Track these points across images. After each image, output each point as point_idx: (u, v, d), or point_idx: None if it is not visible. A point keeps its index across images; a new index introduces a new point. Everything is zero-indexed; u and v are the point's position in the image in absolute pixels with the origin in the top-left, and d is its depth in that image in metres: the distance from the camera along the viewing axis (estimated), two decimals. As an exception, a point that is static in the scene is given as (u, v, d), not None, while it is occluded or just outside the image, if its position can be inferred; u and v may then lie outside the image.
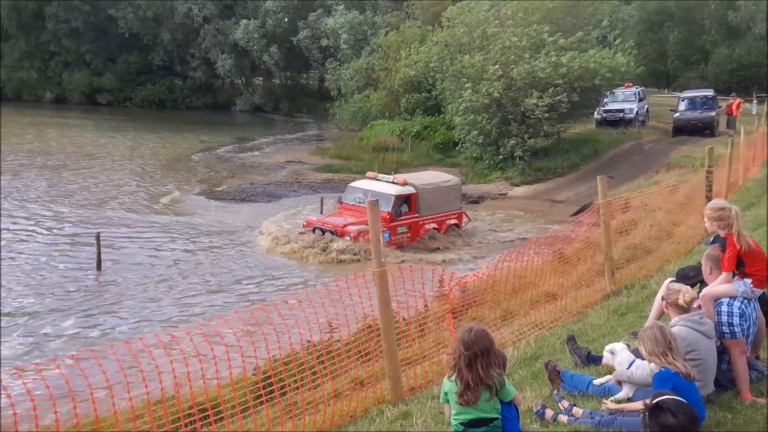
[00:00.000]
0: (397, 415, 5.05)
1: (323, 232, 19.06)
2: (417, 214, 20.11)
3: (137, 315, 14.50)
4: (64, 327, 13.89)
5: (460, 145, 31.54)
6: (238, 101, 60.27)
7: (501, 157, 29.71)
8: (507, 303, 8.13)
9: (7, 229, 20.84)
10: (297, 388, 5.53)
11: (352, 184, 20.99)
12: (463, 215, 21.51)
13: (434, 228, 20.44)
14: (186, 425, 4.83)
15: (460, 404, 4.06)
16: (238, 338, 6.62)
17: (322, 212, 21.57)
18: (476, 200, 26.89)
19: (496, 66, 28.38)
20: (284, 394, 5.54)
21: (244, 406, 5.25)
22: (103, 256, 17.43)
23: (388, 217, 18.93)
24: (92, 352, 5.43)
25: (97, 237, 17.44)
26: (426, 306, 7.76)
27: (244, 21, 55.32)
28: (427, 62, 34.73)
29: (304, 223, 19.95)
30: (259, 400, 5.35)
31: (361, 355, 6.01)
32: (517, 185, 28.22)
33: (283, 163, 35.06)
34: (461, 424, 4.11)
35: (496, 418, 4.10)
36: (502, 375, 4.14)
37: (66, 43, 58.21)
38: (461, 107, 29.53)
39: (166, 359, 5.09)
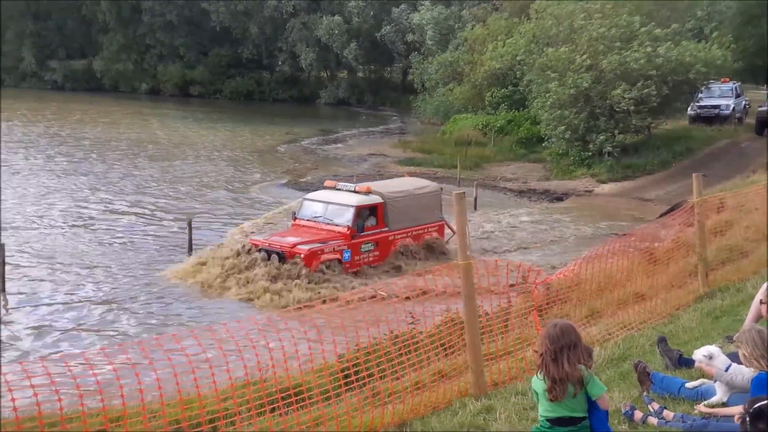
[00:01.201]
0: (480, 408, 5.01)
1: (269, 254, 15.54)
2: (385, 228, 17.10)
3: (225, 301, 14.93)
4: (151, 309, 14.46)
5: (546, 141, 30.96)
6: (323, 94, 61.06)
7: (588, 152, 28.98)
8: (593, 302, 7.92)
9: (107, 210, 21.84)
10: (379, 377, 5.55)
11: (308, 196, 17.90)
12: (445, 227, 18.38)
13: (407, 244, 17.49)
14: (271, 410, 4.92)
15: (550, 400, 4.01)
16: (318, 328, 6.68)
17: (295, 217, 17.31)
18: (560, 197, 26.34)
19: (584, 56, 27.66)
20: (365, 384, 5.57)
21: (326, 394, 5.31)
22: (194, 241, 18.04)
23: (347, 232, 16.12)
24: (173, 336, 5.60)
25: (189, 223, 18.07)
26: (509, 302, 7.66)
27: (328, 17, 55.96)
28: (514, 55, 34.21)
29: (248, 245, 16.29)
30: (343, 389, 5.40)
31: (445, 348, 5.98)
32: (603, 182, 27.48)
33: (366, 155, 35.32)
34: (547, 420, 4.05)
35: (584, 418, 4.02)
36: (590, 369, 4.07)
37: (161, 36, 60.30)
38: (548, 102, 28.95)
39: (254, 343, 5.19)
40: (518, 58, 33.49)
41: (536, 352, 4.14)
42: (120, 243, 19.05)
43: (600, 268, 8.34)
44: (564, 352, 3.98)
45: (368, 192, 17.06)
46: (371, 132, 45.37)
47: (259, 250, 15.72)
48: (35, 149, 33.00)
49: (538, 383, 4.13)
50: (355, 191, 17.02)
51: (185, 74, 61.02)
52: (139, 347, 5.07)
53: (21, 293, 15.04)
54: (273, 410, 4.93)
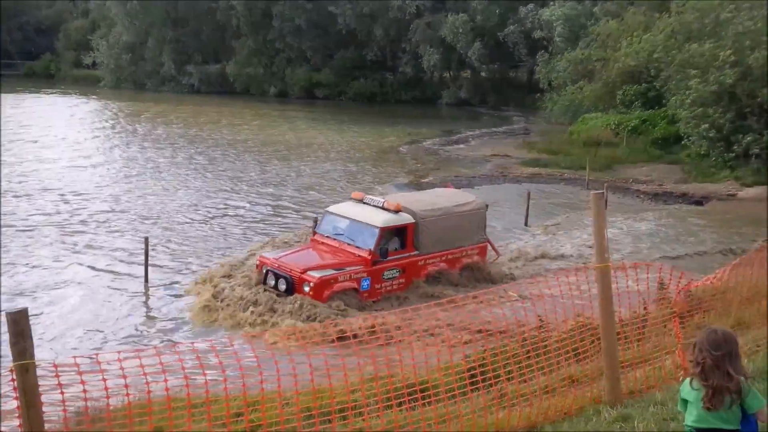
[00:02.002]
0: (615, 417, 4.83)
1: (276, 278, 13.81)
2: (415, 252, 14.94)
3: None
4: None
5: (685, 140, 29.47)
6: (445, 95, 61.02)
7: (732, 154, 27.33)
8: (740, 312, 7.45)
9: (225, 206, 22.84)
10: (507, 379, 5.46)
11: (331, 208, 15.73)
12: (487, 248, 16.40)
13: (441, 269, 15.33)
14: (398, 404, 4.95)
15: (707, 408, 3.80)
16: (445, 327, 6.66)
17: (315, 232, 15.51)
18: (699, 201, 25.03)
19: (729, 52, 26.10)
20: (492, 385, 5.50)
21: (452, 392, 5.28)
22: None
23: (368, 257, 14.04)
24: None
25: (316, 220, 18.53)
26: (645, 308, 7.34)
27: (453, 16, 55.86)
28: (650, 51, 32.81)
29: (257, 264, 14.55)
30: (469, 388, 5.35)
31: (577, 353, 5.80)
32: (748, 186, 25.86)
33: (489, 156, 34.98)
34: (697, 430, 3.83)
35: (736, 431, 3.78)
36: (748, 381, 3.83)
37: (290, 40, 62.26)
38: (688, 99, 27.56)
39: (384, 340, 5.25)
40: (655, 55, 32.09)
41: (691, 359, 3.93)
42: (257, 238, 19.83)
43: (747, 276, 7.85)
44: (726, 360, 3.80)
45: (398, 210, 14.78)
46: (494, 132, 44.90)
47: (266, 272, 13.96)
48: (178, 148, 34.81)
49: (690, 392, 3.93)
50: (383, 207, 14.84)
51: (311, 77, 62.71)
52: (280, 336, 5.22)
53: (163, 284, 15.95)
54: (400, 404, 4.96)
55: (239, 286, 14.26)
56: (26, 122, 41.35)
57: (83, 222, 20.76)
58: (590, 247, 18.51)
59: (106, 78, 66.33)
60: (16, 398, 4.79)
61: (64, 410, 4.99)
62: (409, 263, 14.82)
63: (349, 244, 14.39)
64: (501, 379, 5.36)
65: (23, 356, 4.75)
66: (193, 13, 63.18)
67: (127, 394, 4.77)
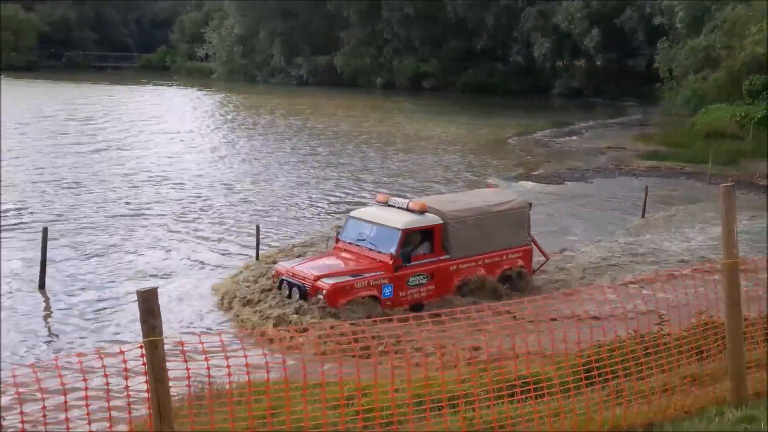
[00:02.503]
0: (740, 417, 4.69)
1: (290, 287, 13.13)
2: (445, 256, 13.82)
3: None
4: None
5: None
6: (557, 84, 59.78)
7: None
8: None
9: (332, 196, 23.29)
10: (622, 376, 5.39)
11: (354, 213, 14.89)
12: (531, 252, 15.10)
13: (478, 276, 14.07)
14: (509, 395, 4.98)
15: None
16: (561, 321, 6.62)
17: (338, 239, 14.43)
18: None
19: None
20: (607, 380, 5.44)
21: (566, 386, 5.26)
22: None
23: (390, 262, 13.12)
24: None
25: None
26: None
27: (567, 2, 54.58)
28: (783, 37, 30.95)
29: (274, 273, 13.87)
30: (583, 383, 5.31)
31: (700, 352, 5.65)
32: None
33: (603, 148, 34.09)
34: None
35: None
36: None
37: (398, 30, 62.65)
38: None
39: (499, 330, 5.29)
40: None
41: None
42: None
43: None
44: None
45: (422, 211, 13.80)
46: (609, 124, 43.68)
47: (281, 282, 13.31)
48: (299, 140, 35.72)
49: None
50: (407, 209, 13.92)
51: (419, 67, 62.90)
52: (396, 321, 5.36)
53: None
54: (511, 396, 4.99)
55: None
56: (148, 114, 43.63)
57: (203, 210, 21.66)
58: (706, 245, 17.78)
59: (218, 70, 69.01)
60: (145, 373, 5.15)
61: (189, 385, 5.34)
62: (439, 268, 13.67)
63: (371, 250, 13.45)
64: (618, 375, 5.29)
65: (152, 333, 5.08)
66: (304, 4, 64.58)
67: (248, 373, 5.03)
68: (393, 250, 13.15)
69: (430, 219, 13.74)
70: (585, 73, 59.51)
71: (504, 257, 14.52)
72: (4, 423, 6.27)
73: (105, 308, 13.84)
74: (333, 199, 23.78)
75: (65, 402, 4.96)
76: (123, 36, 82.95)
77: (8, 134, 32.84)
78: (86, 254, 17.08)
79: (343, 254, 13.79)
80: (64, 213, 20.66)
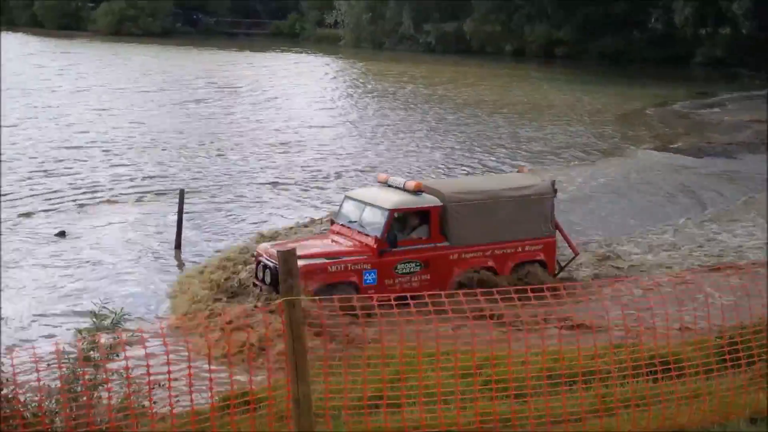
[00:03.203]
0: None
1: (264, 270, 12.08)
2: (444, 243, 12.45)
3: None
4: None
5: None
6: (698, 53, 56.45)
7: None
8: None
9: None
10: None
11: (350, 192, 13.89)
12: (555, 245, 13.32)
13: (486, 267, 12.61)
14: (647, 373, 4.89)
15: None
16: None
17: (332, 221, 13.39)
18: None
19: None
20: (752, 363, 5.22)
21: (707, 367, 5.10)
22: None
23: (374, 246, 11.91)
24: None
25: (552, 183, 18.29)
26: None
27: (715, -37, 51.26)
28: None
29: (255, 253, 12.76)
30: (724, 365, 5.13)
31: None
32: None
33: (747, 122, 32.08)
34: None
35: None
36: None
37: (530, -5, 61.07)
38: None
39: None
40: None
41: None
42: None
43: None
44: None
45: (418, 190, 12.51)
46: (755, 96, 40.95)
47: (258, 262, 12.33)
48: (428, 108, 35.74)
49: None
50: (403, 188, 12.69)
51: (551, 34, 61.10)
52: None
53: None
54: (648, 374, 4.89)
55: None
56: (282, 81, 44.77)
57: (337, 176, 22.16)
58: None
59: (346, 37, 69.85)
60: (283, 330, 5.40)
61: (326, 345, 5.59)
62: (435, 256, 12.28)
63: (360, 232, 12.33)
64: (763, 358, 5.07)
65: (290, 292, 5.32)
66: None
67: (381, 335, 5.17)
68: (379, 232, 11.90)
69: (426, 200, 12.44)
70: (729, 42, 55.85)
71: (519, 249, 12.91)
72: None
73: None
74: (460, 168, 23.84)
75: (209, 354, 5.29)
76: (254, 3, 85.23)
77: (149, 98, 34.77)
78: (222, 216, 17.92)
79: (334, 236, 12.70)
80: (202, 176, 21.73)
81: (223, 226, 17.17)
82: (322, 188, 20.84)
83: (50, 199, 18.75)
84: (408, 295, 5.55)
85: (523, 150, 26.69)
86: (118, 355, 5.43)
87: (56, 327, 11.55)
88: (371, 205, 12.44)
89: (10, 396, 5.39)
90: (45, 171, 21.49)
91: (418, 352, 5.08)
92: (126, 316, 6.55)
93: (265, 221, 17.53)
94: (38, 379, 5.02)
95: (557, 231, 13.45)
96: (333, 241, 12.58)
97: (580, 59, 58.30)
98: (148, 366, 5.55)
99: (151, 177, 21.29)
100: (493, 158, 25.22)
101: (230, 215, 17.98)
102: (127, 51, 56.93)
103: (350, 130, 30.37)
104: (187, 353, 5.26)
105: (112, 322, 5.97)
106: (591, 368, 4.91)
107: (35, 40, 63.18)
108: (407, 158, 25.20)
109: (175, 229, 15.41)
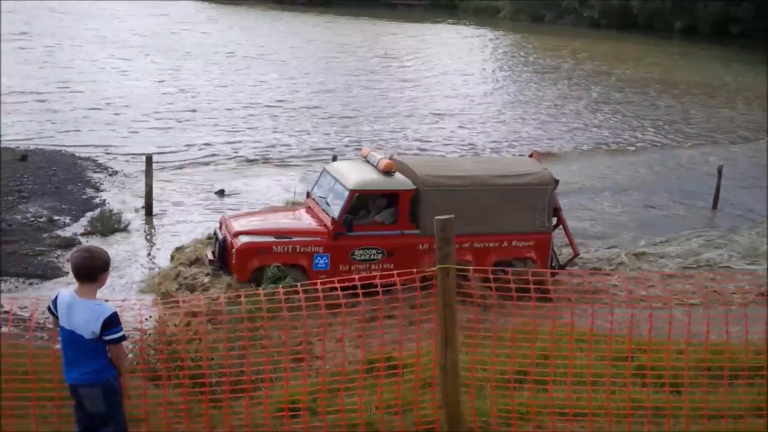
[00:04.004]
0: None
1: (216, 241, 11.46)
2: (415, 231, 11.31)
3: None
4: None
5: None
6: None
7: None
8: None
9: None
10: None
11: (327, 165, 12.79)
12: (550, 243, 11.97)
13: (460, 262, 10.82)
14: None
15: None
16: None
17: (308, 194, 12.48)
18: None
19: None
20: None
21: None
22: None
23: (330, 228, 11.03)
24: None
25: (719, 170, 17.37)
26: None
27: None
28: None
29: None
30: None
31: None
32: None
33: None
34: None
35: None
36: None
37: (706, -32, 57.26)
38: None
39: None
40: None
41: None
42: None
43: None
44: None
45: (389, 171, 11.35)
46: None
47: (215, 231, 11.73)
48: (609, 87, 34.69)
49: None
50: (376, 167, 11.57)
51: (726, 11, 56.99)
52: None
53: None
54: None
55: None
56: (442, 52, 44.55)
57: (482, 152, 22.05)
58: None
59: (505, 9, 68.54)
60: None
61: (475, 317, 5.65)
62: (401, 245, 11.20)
63: (324, 210, 11.47)
64: None
65: (445, 260, 5.43)
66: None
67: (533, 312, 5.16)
68: (337, 213, 11.03)
69: (397, 182, 11.33)
70: None
71: (504, 244, 11.68)
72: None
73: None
74: (628, 147, 23.24)
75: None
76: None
77: (312, 65, 35.76)
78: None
79: (301, 211, 12.02)
80: (356, 143, 22.24)
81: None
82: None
83: (216, 156, 19.93)
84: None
85: (693, 128, 25.66)
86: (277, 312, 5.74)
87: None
88: (338, 181, 11.48)
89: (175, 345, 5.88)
90: (217, 128, 22.75)
91: (570, 331, 5.03)
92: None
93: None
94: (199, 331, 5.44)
95: (561, 227, 12.28)
96: (295, 217, 11.83)
97: (758, 38, 54.10)
98: (304, 323, 5.88)
99: (310, 142, 22.04)
100: (662, 136, 24.47)
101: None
102: (289, 19, 58.76)
103: (509, 103, 30.01)
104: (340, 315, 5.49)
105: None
106: (758, 363, 4.68)
107: (203, 6, 66.13)
108: (572, 134, 24.78)
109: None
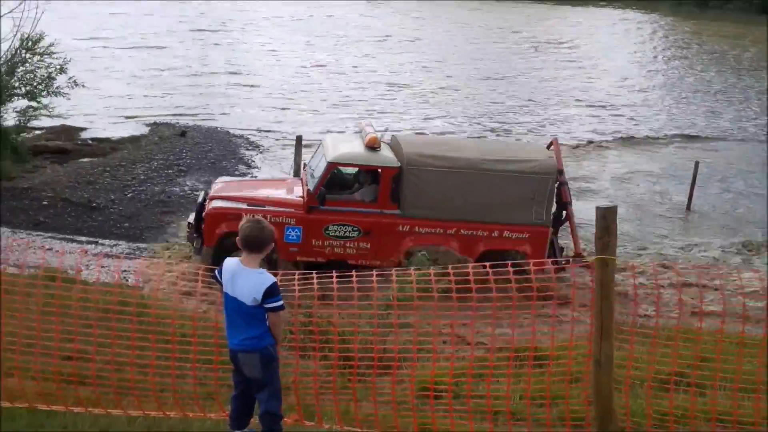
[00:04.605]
0: None
1: (197, 205, 11.51)
2: (396, 212, 10.92)
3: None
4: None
5: None
6: None
7: None
8: None
9: None
10: None
11: (325, 137, 12.51)
12: (547, 237, 11.12)
13: (447, 249, 10.77)
14: None
15: None
16: None
17: (304, 166, 12.29)
18: None
19: None
20: None
21: None
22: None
23: (304, 200, 10.85)
24: None
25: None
26: None
27: None
28: None
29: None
30: None
31: None
32: None
33: None
34: None
35: None
36: None
37: None
38: None
39: None
40: None
41: None
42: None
43: None
44: None
45: (373, 146, 10.95)
46: None
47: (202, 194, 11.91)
48: None
49: None
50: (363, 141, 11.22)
51: None
52: None
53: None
54: None
55: None
56: (596, 36, 43.06)
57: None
58: None
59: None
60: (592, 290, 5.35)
61: (634, 312, 5.44)
62: (379, 224, 10.89)
63: (307, 183, 11.24)
64: None
65: (606, 251, 5.25)
66: None
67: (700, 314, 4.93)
68: (312, 185, 10.82)
69: (379, 159, 10.96)
70: None
71: (495, 233, 11.07)
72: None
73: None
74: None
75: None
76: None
77: (468, 50, 35.36)
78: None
79: (291, 182, 12.00)
80: (502, 129, 22.00)
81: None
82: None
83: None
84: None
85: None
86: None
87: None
88: (322, 153, 11.33)
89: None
90: (368, 111, 23.06)
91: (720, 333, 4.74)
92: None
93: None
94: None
95: (567, 223, 11.62)
96: (283, 188, 11.74)
97: None
98: (435, 305, 5.91)
99: (456, 124, 22.06)
100: None
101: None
102: (441, 5, 58.06)
103: (671, 92, 28.71)
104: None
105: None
106: None
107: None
108: (744, 124, 23.44)
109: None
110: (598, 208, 5.26)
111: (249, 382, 4.85)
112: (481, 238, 11.04)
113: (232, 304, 4.75)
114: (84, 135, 18.79)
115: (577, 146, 20.64)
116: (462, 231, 10.99)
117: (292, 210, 10.91)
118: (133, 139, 18.72)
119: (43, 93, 15.80)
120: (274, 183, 12.41)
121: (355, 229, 10.88)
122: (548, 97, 26.71)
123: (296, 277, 5.60)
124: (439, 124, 22.13)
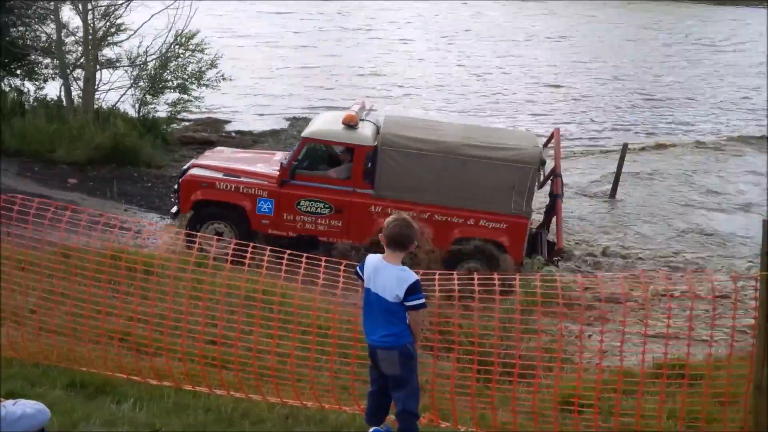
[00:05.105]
0: None
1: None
2: (368, 191, 10.94)
3: None
4: None
5: None
6: None
7: None
8: None
9: None
10: None
11: (323, 113, 13.24)
12: (526, 229, 10.89)
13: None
14: None
15: None
16: None
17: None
18: None
19: None
20: None
21: None
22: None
23: (277, 173, 11.05)
24: None
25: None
26: None
27: None
28: None
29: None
30: None
31: None
32: None
33: None
34: None
35: None
36: None
37: None
38: None
39: None
40: None
41: None
42: None
43: None
44: None
45: (351, 123, 10.95)
46: None
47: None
48: None
49: None
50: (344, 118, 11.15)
51: None
52: None
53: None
54: None
55: None
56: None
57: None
58: None
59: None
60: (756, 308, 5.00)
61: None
62: (351, 203, 10.92)
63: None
64: None
65: (770, 266, 4.90)
66: None
67: None
68: (286, 159, 11.17)
69: (353, 137, 10.96)
70: None
71: (471, 221, 10.85)
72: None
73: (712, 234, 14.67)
74: None
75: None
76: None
77: (619, 54, 34.13)
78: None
79: (279, 157, 11.96)
80: (633, 133, 21.32)
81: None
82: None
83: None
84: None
85: None
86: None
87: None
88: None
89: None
90: (496, 114, 22.96)
91: None
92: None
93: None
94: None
95: (554, 215, 11.34)
96: (266, 161, 11.87)
97: None
98: (581, 310, 5.65)
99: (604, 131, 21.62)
100: None
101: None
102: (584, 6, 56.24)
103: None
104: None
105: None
106: None
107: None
108: None
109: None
110: (764, 221, 4.94)
111: (386, 378, 4.84)
112: (455, 224, 10.97)
113: (374, 300, 4.75)
114: (228, 127, 19.64)
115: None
116: (436, 216, 10.90)
117: (266, 182, 11.16)
118: (273, 133, 19.43)
119: (194, 86, 16.61)
120: (262, 157, 12.64)
121: (327, 205, 11.05)
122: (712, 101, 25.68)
123: (436, 276, 5.55)
124: (570, 128, 21.67)
